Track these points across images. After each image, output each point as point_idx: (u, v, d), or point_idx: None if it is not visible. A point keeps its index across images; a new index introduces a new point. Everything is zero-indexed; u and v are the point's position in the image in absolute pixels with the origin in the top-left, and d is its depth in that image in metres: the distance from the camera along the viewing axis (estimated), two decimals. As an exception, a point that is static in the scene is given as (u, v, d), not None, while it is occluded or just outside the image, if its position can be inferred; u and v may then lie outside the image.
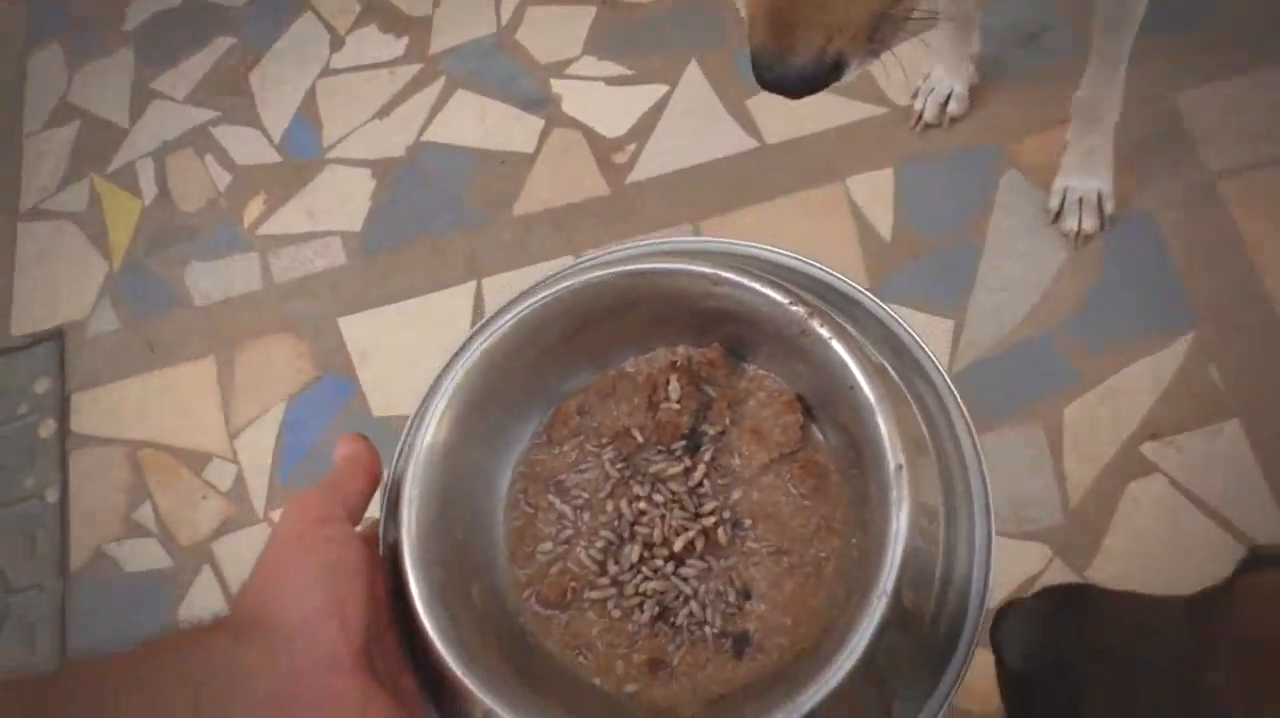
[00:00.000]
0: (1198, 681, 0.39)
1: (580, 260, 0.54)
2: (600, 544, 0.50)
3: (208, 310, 1.50)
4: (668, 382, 0.52)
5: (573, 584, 0.49)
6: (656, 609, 0.49)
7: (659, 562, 0.49)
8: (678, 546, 0.49)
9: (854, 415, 0.46)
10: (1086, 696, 0.44)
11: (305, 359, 1.42)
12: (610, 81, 1.48)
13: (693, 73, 1.45)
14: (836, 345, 0.46)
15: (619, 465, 0.52)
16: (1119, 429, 1.15)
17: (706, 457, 0.51)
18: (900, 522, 0.43)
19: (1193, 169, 1.24)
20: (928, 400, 0.49)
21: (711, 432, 0.52)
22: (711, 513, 0.50)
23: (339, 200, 1.51)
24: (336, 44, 1.63)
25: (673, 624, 0.49)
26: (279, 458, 1.38)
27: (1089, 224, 1.21)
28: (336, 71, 1.60)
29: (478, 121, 1.50)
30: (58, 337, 1.54)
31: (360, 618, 0.43)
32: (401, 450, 0.51)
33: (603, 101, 1.46)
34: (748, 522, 0.50)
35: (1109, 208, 1.21)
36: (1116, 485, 1.13)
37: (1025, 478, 1.15)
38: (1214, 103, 1.26)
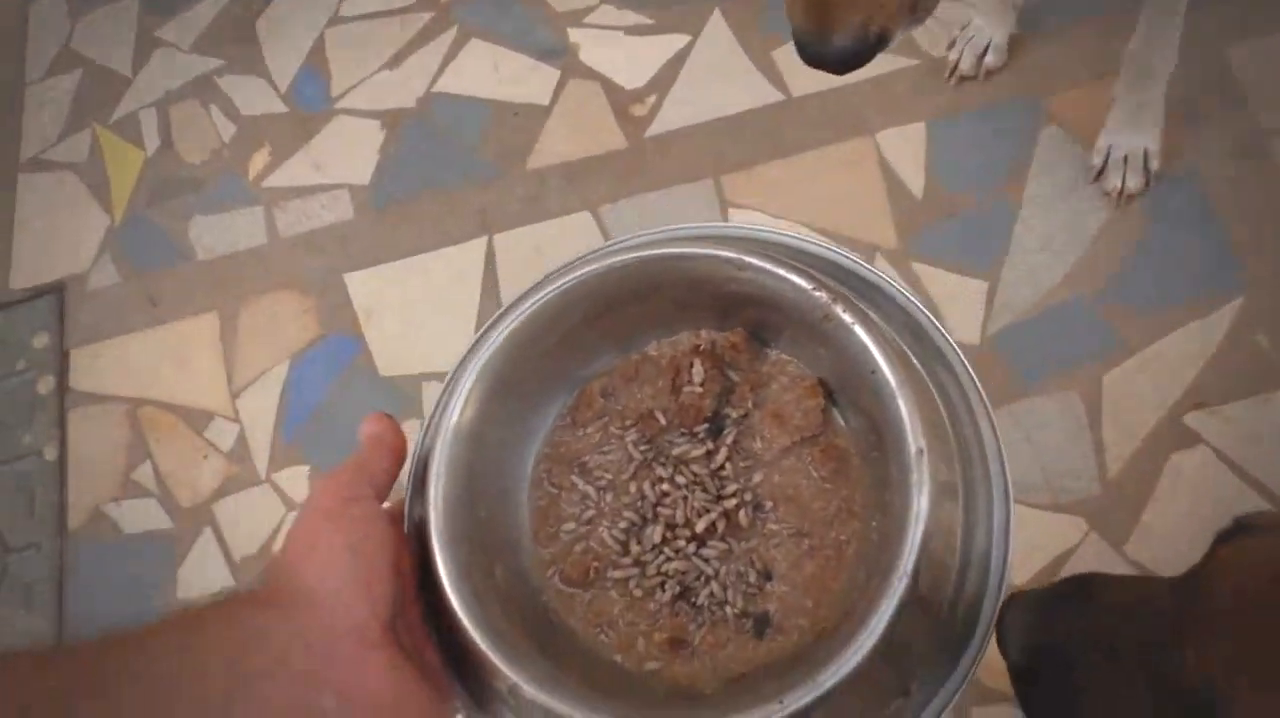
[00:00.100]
0: (1173, 658, 0.38)
1: (604, 245, 0.54)
2: (623, 525, 0.51)
3: (211, 265, 1.45)
4: (691, 365, 0.53)
5: (595, 564, 0.50)
6: (678, 589, 0.49)
7: (681, 542, 0.50)
8: (700, 527, 0.50)
9: (875, 400, 0.46)
10: (1086, 688, 0.43)
11: (310, 316, 1.38)
12: (630, 31, 1.42)
13: (716, 22, 1.39)
14: (859, 331, 0.47)
15: (642, 447, 0.52)
16: (1161, 398, 1.09)
17: (729, 440, 0.52)
18: (921, 504, 0.43)
19: (1242, 126, 1.17)
20: (947, 386, 0.49)
21: (734, 415, 0.52)
22: (733, 495, 0.51)
23: (347, 152, 1.46)
24: (346, -10, 1.57)
25: (694, 604, 0.49)
26: (282, 417, 1.34)
27: (1133, 183, 1.15)
28: (346, 19, 1.54)
29: (491, 72, 1.44)
30: (57, 290, 1.49)
31: (386, 593, 0.44)
32: (428, 429, 0.51)
33: (622, 51, 1.40)
34: (769, 504, 0.50)
35: (1154, 166, 1.15)
36: (1157, 457, 1.08)
37: (1061, 448, 1.10)
38: (1266, 56, 1.20)
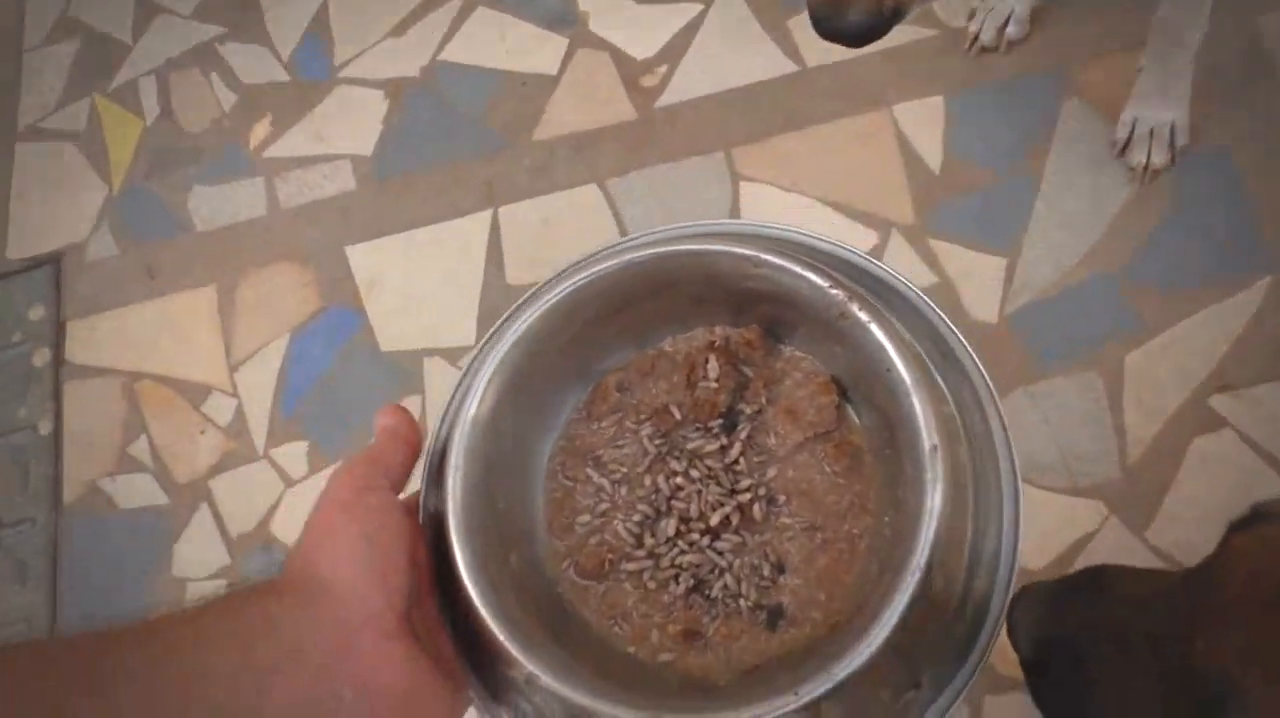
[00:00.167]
0: (1185, 650, 0.37)
1: (620, 241, 0.55)
2: (637, 518, 0.51)
3: (210, 236, 1.42)
4: (706, 361, 0.53)
5: (610, 556, 0.51)
6: (692, 582, 0.50)
7: (695, 536, 0.50)
8: (714, 520, 0.50)
9: (890, 398, 0.47)
10: (1098, 680, 0.42)
11: (310, 289, 1.35)
12: (640, -1, 1.38)
13: (729, -10, 1.35)
14: (875, 329, 0.47)
15: (657, 442, 0.53)
16: (1185, 380, 1.06)
17: (743, 435, 0.52)
18: (935, 500, 0.43)
19: (1273, 99, 1.13)
20: (959, 383, 0.49)
21: (748, 410, 0.53)
22: (747, 489, 0.51)
23: (350, 123, 1.42)
24: (350, -43, 1.53)
25: (708, 597, 0.50)
26: (281, 392, 1.31)
27: (1159, 158, 1.11)
28: (350, -13, 1.51)
29: (498, 40, 1.41)
30: (54, 261, 1.47)
31: (402, 584, 0.44)
32: (444, 421, 0.52)
33: (632, 20, 1.37)
34: (782, 498, 0.51)
35: (1181, 140, 1.11)
36: (1181, 440, 1.04)
37: (1081, 430, 1.06)
38: (1298, 26, 1.16)
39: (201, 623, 0.40)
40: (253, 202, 1.42)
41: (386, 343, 1.29)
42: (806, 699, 0.41)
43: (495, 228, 1.31)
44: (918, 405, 0.45)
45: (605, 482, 0.53)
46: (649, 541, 0.51)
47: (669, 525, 0.51)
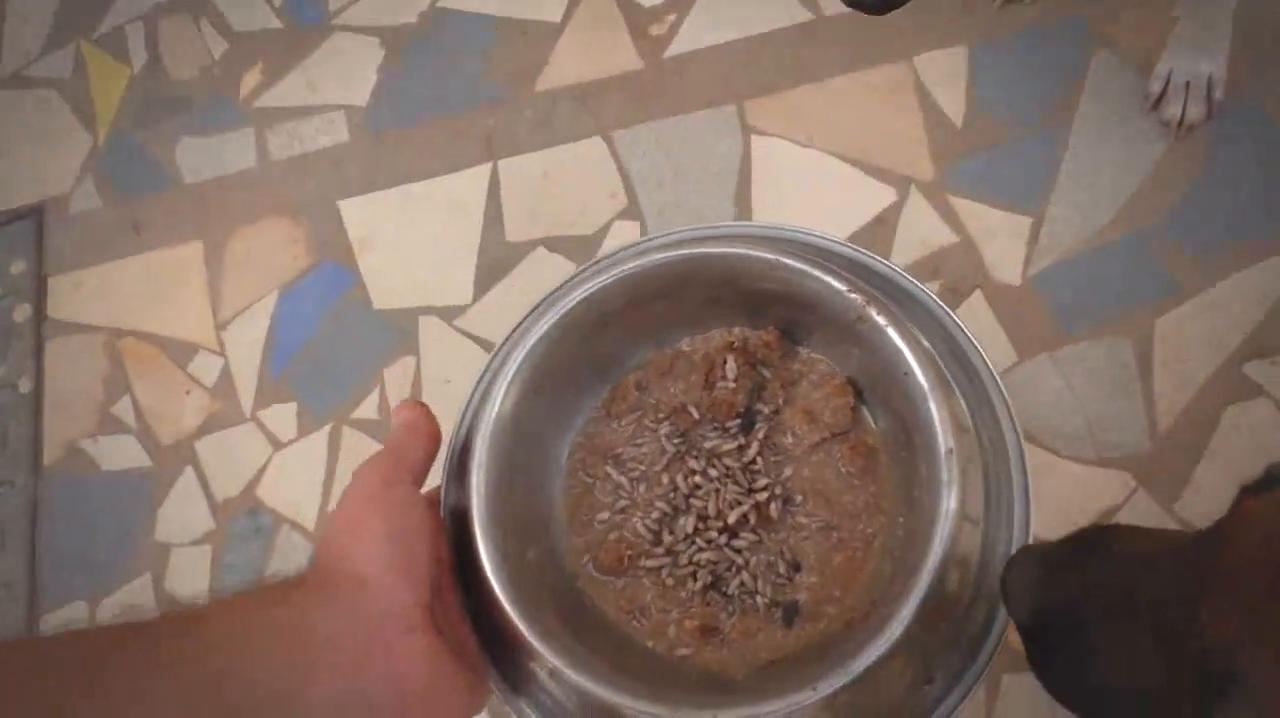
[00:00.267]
0: (1190, 618, 0.34)
1: (639, 241, 0.56)
2: (655, 515, 0.53)
3: (198, 189, 1.37)
4: (725, 361, 0.54)
5: (629, 552, 0.52)
6: (709, 579, 0.51)
7: (712, 533, 0.52)
8: (731, 518, 0.51)
9: (906, 401, 0.48)
10: (1101, 648, 0.39)
11: (301, 245, 1.29)
12: (649, -56, 1.32)
13: (742, -65, 1.29)
14: (892, 333, 0.48)
15: (675, 440, 0.54)
16: (1219, 346, 1.00)
17: (760, 435, 0.53)
18: (950, 502, 0.45)
19: (1317, 51, 1.07)
20: (972, 388, 0.50)
21: (765, 411, 0.54)
22: (764, 488, 0.52)
23: (344, 72, 1.36)
24: (346, -101, 1.47)
25: (725, 593, 0.51)
26: (269, 352, 1.26)
27: (1194, 112, 1.05)
28: (345, -70, 1.45)
29: (500, -14, 1.35)
30: (36, 214, 1.41)
31: (426, 578, 0.45)
32: (465, 418, 0.54)
33: (640, -34, 1.31)
34: (799, 498, 0.52)
35: (1219, 94, 1.05)
36: (1213, 409, 0.99)
37: (1108, 398, 1.01)
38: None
39: (241, 618, 0.41)
40: (242, 154, 1.36)
41: (380, 301, 1.24)
42: (824, 694, 0.42)
43: (494, 182, 1.25)
44: (934, 409, 0.46)
45: (624, 479, 0.54)
46: (667, 538, 0.52)
47: (687, 523, 0.52)
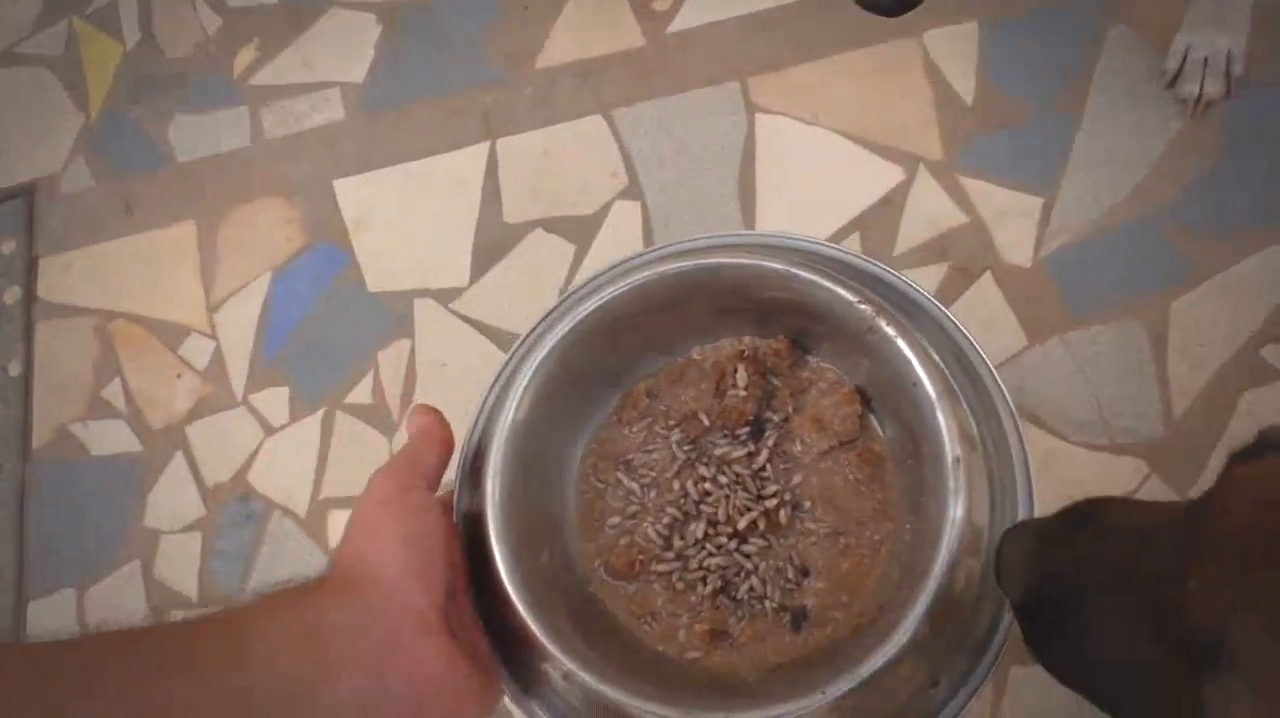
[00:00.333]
0: (1182, 588, 0.33)
1: (649, 250, 0.56)
2: (666, 520, 0.54)
3: (191, 168, 1.34)
4: (735, 370, 0.55)
5: (640, 557, 0.53)
6: (719, 583, 0.52)
7: (722, 539, 0.53)
8: (741, 524, 0.52)
9: (914, 410, 0.48)
10: (1095, 623, 0.38)
11: (295, 226, 1.26)
12: (651, -82, 1.29)
13: (746, -91, 1.26)
14: (901, 343, 0.49)
15: (686, 447, 0.55)
16: (1235, 328, 0.98)
17: (770, 442, 0.54)
18: (957, 509, 0.45)
19: (1338, 27, 1.04)
20: (978, 396, 0.51)
21: (775, 419, 0.55)
22: (773, 495, 0.53)
23: (340, 49, 1.34)
24: (343, -128, 1.44)
25: (734, 598, 0.52)
26: (262, 334, 1.23)
27: (1212, 89, 1.02)
28: (342, -97, 1.42)
29: (499, -39, 1.32)
30: (26, 193, 1.39)
31: (441, 581, 0.45)
32: (477, 424, 0.54)
33: (642, -60, 1.28)
34: (807, 504, 0.53)
35: (1238, 70, 1.02)
36: (1229, 394, 0.96)
37: (1121, 383, 0.98)
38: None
39: (265, 619, 0.42)
40: (236, 131, 1.34)
41: (375, 283, 1.21)
42: (833, 697, 0.43)
43: (493, 161, 1.22)
44: (942, 419, 0.47)
45: (635, 485, 0.55)
46: (678, 543, 0.53)
47: (697, 529, 0.53)
